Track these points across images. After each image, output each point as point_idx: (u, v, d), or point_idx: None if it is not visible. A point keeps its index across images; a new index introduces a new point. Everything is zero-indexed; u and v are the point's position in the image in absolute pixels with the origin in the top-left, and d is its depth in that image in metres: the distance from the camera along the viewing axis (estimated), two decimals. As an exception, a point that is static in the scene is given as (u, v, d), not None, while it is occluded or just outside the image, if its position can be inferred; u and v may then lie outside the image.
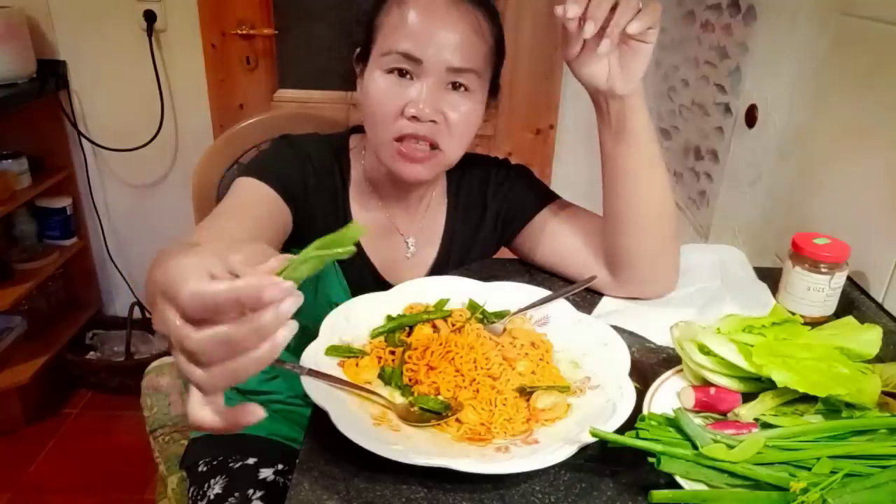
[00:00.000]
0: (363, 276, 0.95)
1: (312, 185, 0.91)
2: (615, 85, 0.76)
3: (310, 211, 0.90)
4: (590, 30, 0.70)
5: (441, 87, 0.82)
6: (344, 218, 0.93)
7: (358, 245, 0.93)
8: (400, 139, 0.84)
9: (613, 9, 0.69)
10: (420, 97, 0.81)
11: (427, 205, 0.99)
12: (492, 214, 1.00)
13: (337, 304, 0.91)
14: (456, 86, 0.83)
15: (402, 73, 0.82)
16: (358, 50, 0.90)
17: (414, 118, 0.82)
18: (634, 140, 0.81)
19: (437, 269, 0.99)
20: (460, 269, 0.97)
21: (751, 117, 1.28)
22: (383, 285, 0.92)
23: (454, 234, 1.00)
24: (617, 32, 0.70)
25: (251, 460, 0.96)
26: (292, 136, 0.95)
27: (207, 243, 0.66)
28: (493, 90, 0.92)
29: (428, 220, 1.00)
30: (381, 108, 0.83)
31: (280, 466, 0.95)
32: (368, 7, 0.87)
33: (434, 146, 0.85)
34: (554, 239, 0.95)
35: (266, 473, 0.93)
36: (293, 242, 0.88)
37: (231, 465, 0.96)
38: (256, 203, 0.84)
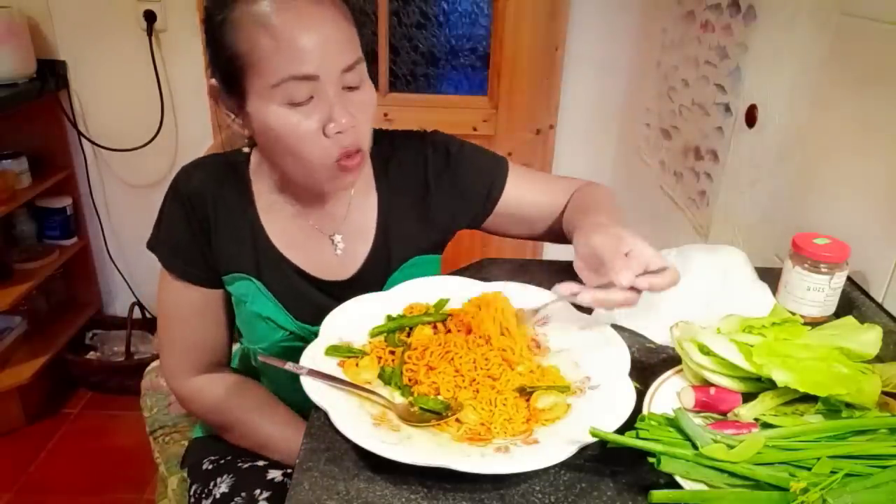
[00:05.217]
0: (291, 280, 0.92)
1: (214, 217, 0.89)
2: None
3: (221, 239, 0.90)
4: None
5: (341, 90, 0.79)
6: (257, 232, 0.91)
7: (277, 253, 0.92)
8: (340, 158, 0.81)
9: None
10: (333, 112, 0.78)
11: (349, 199, 0.96)
12: (441, 201, 0.97)
13: (269, 319, 0.91)
14: (351, 88, 0.80)
15: (301, 103, 0.78)
16: (216, 80, 0.83)
17: (339, 133, 0.79)
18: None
19: (373, 263, 0.96)
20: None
21: (751, 117, 1.28)
22: (318, 283, 0.92)
23: (389, 225, 0.96)
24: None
25: (261, 462, 0.95)
26: (180, 180, 0.92)
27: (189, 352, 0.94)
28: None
29: (355, 214, 0.96)
30: (302, 140, 0.79)
31: (290, 469, 0.95)
32: (216, 36, 0.79)
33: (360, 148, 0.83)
34: (522, 209, 1.01)
35: (275, 474, 0.92)
36: (216, 263, 0.90)
37: (240, 464, 0.95)
38: (188, 303, 0.93)
